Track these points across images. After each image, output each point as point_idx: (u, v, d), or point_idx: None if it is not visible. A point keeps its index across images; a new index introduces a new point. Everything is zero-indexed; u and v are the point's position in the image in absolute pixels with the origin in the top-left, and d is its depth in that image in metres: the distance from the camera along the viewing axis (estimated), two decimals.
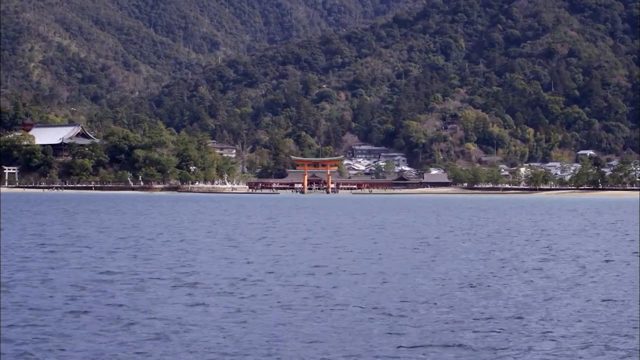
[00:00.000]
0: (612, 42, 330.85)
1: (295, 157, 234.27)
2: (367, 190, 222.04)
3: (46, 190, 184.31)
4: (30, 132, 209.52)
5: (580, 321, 17.15)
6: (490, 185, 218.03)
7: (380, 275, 24.61)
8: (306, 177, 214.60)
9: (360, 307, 18.67)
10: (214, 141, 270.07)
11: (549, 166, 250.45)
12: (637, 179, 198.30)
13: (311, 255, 31.43)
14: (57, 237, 39.22)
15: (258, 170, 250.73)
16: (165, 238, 39.83)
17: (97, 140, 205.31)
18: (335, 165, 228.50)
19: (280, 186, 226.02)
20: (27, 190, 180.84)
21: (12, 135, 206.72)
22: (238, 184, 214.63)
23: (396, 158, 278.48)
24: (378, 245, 36.55)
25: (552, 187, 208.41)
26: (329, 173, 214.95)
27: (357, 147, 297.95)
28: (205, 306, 18.71)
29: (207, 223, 55.24)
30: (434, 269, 26.52)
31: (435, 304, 19.23)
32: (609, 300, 20.08)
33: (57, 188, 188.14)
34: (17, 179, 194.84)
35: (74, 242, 36.12)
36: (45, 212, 68.88)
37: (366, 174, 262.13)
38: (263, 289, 21.59)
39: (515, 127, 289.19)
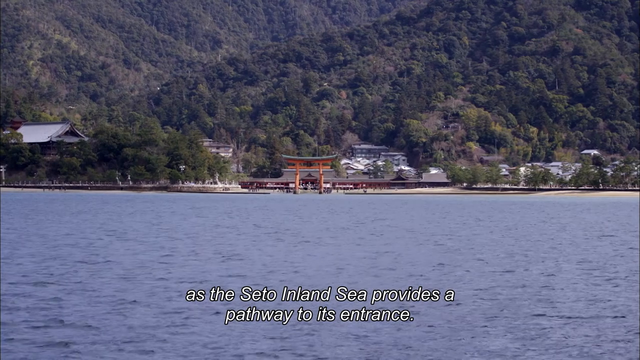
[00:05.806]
0: (617, 40, 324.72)
1: (287, 156, 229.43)
2: (361, 191, 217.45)
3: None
4: (19, 130, 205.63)
5: None
6: (489, 185, 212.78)
7: None
8: (298, 177, 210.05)
9: None
10: (210, 140, 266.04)
11: (551, 166, 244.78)
12: (639, 179, 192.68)
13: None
14: None
15: (253, 170, 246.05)
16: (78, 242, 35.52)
17: (86, 139, 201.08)
18: (328, 165, 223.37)
19: (275, 186, 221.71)
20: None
21: None
22: (231, 184, 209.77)
23: (396, 157, 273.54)
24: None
25: (552, 187, 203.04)
26: (321, 172, 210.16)
27: (356, 146, 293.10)
28: None
29: (141, 226, 50.72)
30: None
31: None
32: None
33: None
34: (4, 178, 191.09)
35: None
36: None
37: (364, 173, 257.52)
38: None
39: (518, 126, 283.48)
